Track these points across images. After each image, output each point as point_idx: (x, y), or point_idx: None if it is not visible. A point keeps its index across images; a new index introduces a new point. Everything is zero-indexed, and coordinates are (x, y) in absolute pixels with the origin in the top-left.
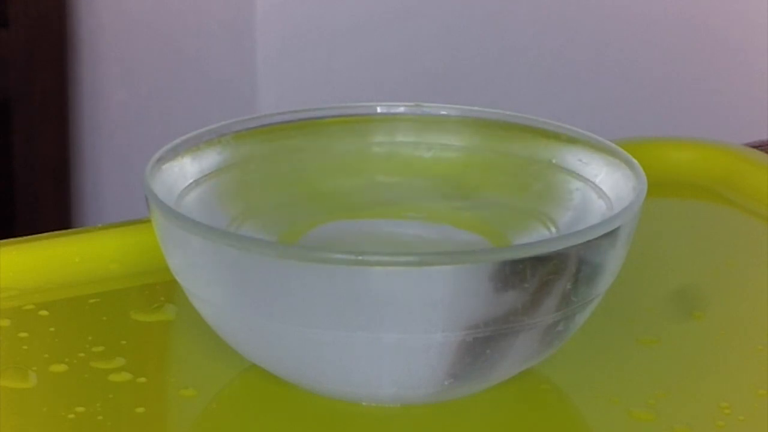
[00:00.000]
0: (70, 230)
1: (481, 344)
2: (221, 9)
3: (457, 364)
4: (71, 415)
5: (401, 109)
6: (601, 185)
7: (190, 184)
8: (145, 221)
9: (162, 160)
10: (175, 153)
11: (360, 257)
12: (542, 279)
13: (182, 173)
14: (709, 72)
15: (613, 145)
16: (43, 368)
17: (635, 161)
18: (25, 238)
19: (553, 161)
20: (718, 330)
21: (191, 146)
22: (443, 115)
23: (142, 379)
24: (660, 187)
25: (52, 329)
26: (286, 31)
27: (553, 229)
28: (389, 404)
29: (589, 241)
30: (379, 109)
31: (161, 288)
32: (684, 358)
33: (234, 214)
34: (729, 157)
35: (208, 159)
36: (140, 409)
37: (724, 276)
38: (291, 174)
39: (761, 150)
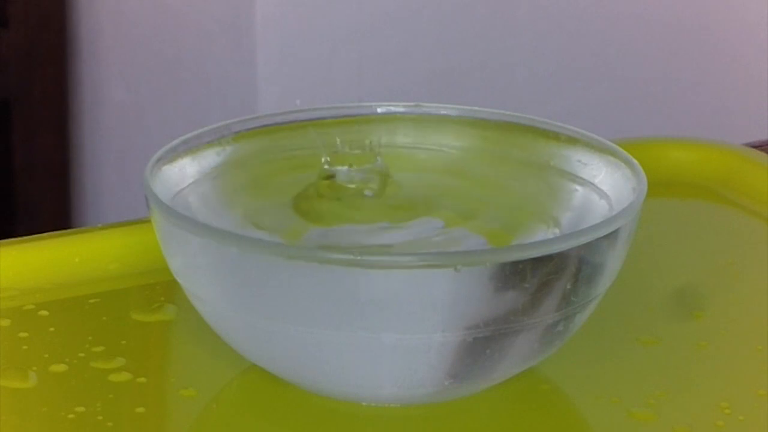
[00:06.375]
0: (70, 230)
1: (481, 344)
2: (221, 9)
3: (457, 364)
4: (71, 415)
5: (401, 109)
6: (601, 185)
7: (190, 184)
8: (145, 221)
9: (162, 160)
10: (174, 153)
11: (360, 257)
12: (542, 279)
13: (182, 173)
14: (709, 72)
15: (613, 145)
16: (43, 368)
17: (635, 161)
18: (25, 238)
19: (553, 162)
20: (718, 330)
21: (191, 146)
22: (443, 115)
23: (142, 379)
24: (660, 187)
25: (52, 329)
26: (286, 31)
27: (554, 230)
28: (389, 404)
29: (589, 242)
30: (379, 109)
31: (161, 288)
32: (684, 358)
33: (234, 214)
34: (729, 157)
35: (208, 159)
36: (140, 409)
37: (724, 276)
38: (291, 174)
39: (761, 150)
